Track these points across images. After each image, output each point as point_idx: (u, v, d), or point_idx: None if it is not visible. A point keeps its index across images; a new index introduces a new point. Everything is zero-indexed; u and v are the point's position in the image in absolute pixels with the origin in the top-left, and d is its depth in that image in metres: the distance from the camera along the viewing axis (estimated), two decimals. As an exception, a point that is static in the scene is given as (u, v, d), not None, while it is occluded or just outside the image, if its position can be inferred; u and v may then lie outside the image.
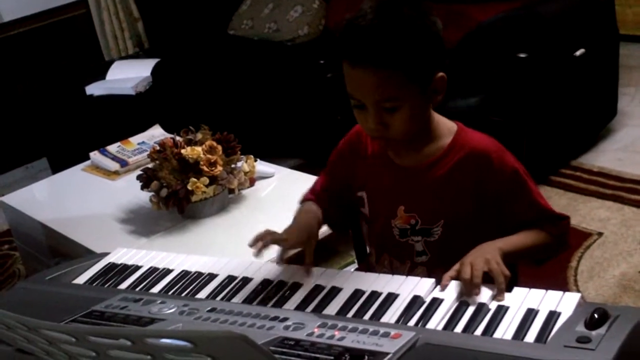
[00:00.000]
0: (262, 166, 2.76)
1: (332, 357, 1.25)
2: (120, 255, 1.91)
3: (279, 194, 2.67)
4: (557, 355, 1.20)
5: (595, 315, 1.26)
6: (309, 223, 1.75)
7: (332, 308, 1.47)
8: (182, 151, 2.45)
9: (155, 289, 1.71)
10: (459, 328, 1.35)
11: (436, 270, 1.58)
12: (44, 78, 4.67)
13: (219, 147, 2.49)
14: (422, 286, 1.49)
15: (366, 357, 1.24)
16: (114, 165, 3.04)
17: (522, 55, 3.25)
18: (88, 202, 2.86)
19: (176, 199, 2.44)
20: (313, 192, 1.88)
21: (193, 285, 1.68)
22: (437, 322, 1.37)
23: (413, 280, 1.52)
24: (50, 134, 4.51)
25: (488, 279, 1.45)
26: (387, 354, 1.24)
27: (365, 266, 1.88)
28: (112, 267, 1.86)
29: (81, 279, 1.83)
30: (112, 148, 3.15)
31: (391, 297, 1.47)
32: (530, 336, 1.28)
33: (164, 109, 4.14)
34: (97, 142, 3.25)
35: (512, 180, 1.64)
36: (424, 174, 1.66)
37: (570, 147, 3.80)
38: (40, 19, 4.82)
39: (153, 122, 3.33)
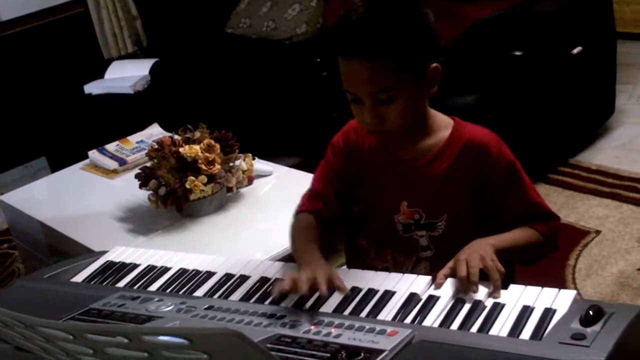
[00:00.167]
0: (260, 164, 2.76)
1: (328, 355, 1.25)
2: (119, 254, 1.92)
3: (277, 192, 2.68)
4: (551, 352, 1.20)
5: (590, 312, 1.27)
6: (319, 263, 1.58)
7: (329, 306, 1.48)
8: (180, 150, 2.46)
9: (153, 287, 1.71)
10: (455, 325, 1.36)
11: (439, 266, 1.58)
12: (43, 77, 4.66)
13: (217, 146, 2.49)
14: (418, 284, 1.50)
15: (362, 354, 1.24)
16: (113, 164, 3.04)
17: (518, 53, 3.26)
18: (87, 200, 2.86)
19: (174, 197, 2.44)
20: (310, 199, 1.82)
21: (191, 283, 1.69)
22: (433, 319, 1.38)
23: (410, 277, 1.52)
24: (49, 133, 4.51)
25: (483, 276, 1.46)
26: (383, 351, 1.25)
27: (361, 266, 1.87)
28: (110, 265, 1.86)
29: (79, 277, 1.84)
30: (111, 147, 3.16)
31: (388, 295, 1.48)
32: (526, 333, 1.29)
33: (162, 108, 4.14)
34: (96, 141, 3.26)
35: (508, 173, 1.65)
36: (426, 168, 1.67)
37: (568, 145, 3.80)
38: (38, 17, 4.81)
39: (151, 120, 3.33)
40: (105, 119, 4.19)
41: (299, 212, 1.82)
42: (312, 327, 1.37)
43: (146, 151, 2.65)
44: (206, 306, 1.52)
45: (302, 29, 4.46)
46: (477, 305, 1.39)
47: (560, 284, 2.85)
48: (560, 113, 3.60)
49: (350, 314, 1.44)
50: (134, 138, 3.20)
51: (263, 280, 1.63)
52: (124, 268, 1.83)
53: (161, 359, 1.03)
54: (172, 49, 4.78)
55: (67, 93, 4.46)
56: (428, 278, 1.50)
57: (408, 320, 1.39)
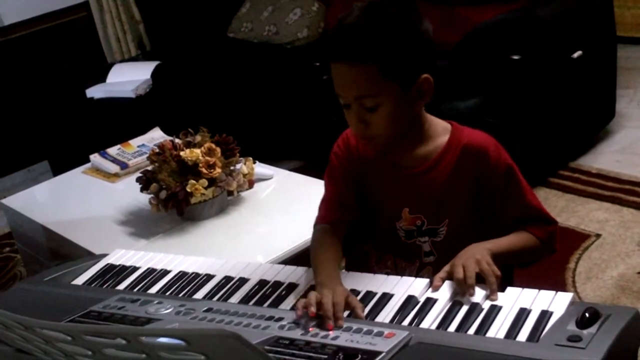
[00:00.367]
0: (261, 168, 2.77)
1: (325, 356, 1.26)
2: (119, 257, 1.93)
3: (278, 195, 2.68)
4: (548, 353, 1.21)
5: (587, 315, 1.28)
6: (337, 285, 1.53)
7: (328, 308, 1.48)
8: (181, 153, 2.47)
9: (153, 290, 1.72)
10: (452, 327, 1.37)
11: (442, 270, 1.58)
12: (45, 81, 4.68)
13: (218, 149, 2.50)
14: (416, 286, 1.51)
15: (359, 356, 1.25)
16: (114, 168, 3.05)
17: (516, 57, 3.26)
18: (88, 204, 2.87)
19: (175, 201, 2.45)
20: (327, 209, 1.79)
21: (190, 286, 1.70)
22: (430, 321, 1.39)
23: (407, 280, 1.53)
24: (51, 137, 4.53)
25: (479, 279, 1.47)
26: (380, 352, 1.26)
27: (362, 271, 1.87)
28: (110, 268, 1.88)
29: (80, 280, 1.85)
30: (112, 150, 3.16)
31: (386, 297, 1.49)
32: (523, 335, 1.30)
33: (163, 112, 4.16)
34: (98, 144, 3.26)
35: (507, 176, 1.66)
36: (426, 175, 1.68)
37: (569, 149, 3.81)
38: (41, 22, 4.83)
39: (153, 124, 3.34)
40: (107, 122, 4.20)
41: (317, 224, 1.80)
42: (310, 329, 1.37)
43: (147, 155, 2.66)
44: (205, 308, 1.53)
45: (303, 33, 4.48)
46: (475, 308, 1.40)
47: (561, 287, 2.85)
48: (561, 117, 3.61)
49: (348, 316, 1.45)
50: (135, 142, 3.20)
51: (262, 282, 1.64)
52: (124, 271, 1.84)
53: (159, 360, 1.04)
54: (174, 52, 4.79)
55: (69, 97, 4.47)
56: (426, 281, 1.51)
57: (406, 322, 1.40)
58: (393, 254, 1.77)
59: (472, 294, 1.44)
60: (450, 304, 1.44)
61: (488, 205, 1.67)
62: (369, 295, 1.50)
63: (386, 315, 1.43)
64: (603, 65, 3.84)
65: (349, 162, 1.78)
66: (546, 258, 1.76)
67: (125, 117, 4.18)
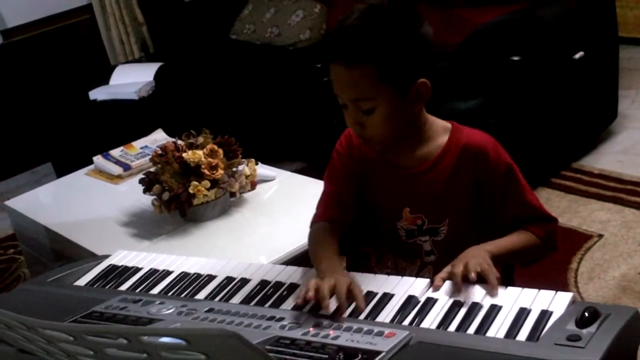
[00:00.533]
0: (263, 169, 2.77)
1: (326, 356, 1.27)
2: (121, 258, 1.94)
3: (281, 197, 2.69)
4: (547, 353, 1.22)
5: (586, 314, 1.28)
6: (339, 272, 1.56)
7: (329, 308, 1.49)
8: (184, 155, 2.47)
9: (155, 290, 1.73)
10: (452, 327, 1.37)
11: (442, 270, 1.59)
12: (48, 83, 4.70)
13: (220, 151, 2.51)
14: (417, 286, 1.51)
15: (360, 355, 1.26)
16: (117, 169, 3.05)
17: (515, 58, 3.27)
18: (91, 206, 2.88)
19: (178, 202, 2.46)
20: (324, 206, 1.80)
21: (192, 287, 1.70)
22: (431, 321, 1.39)
23: (408, 280, 1.54)
24: (54, 139, 4.54)
25: (479, 280, 1.47)
26: (381, 352, 1.26)
27: (354, 264, 1.89)
28: (112, 269, 1.88)
29: (82, 281, 1.86)
30: (115, 152, 3.17)
31: (386, 297, 1.49)
32: (522, 335, 1.30)
33: (166, 113, 4.17)
34: (101, 146, 3.27)
35: (506, 176, 1.66)
36: (426, 175, 1.69)
37: (571, 150, 3.82)
38: (44, 24, 4.85)
39: (156, 126, 3.35)
40: (110, 124, 4.22)
41: (314, 222, 1.80)
42: (311, 329, 1.38)
43: (150, 156, 2.67)
44: (207, 309, 1.53)
45: (305, 35, 4.49)
46: (475, 307, 1.41)
47: (563, 287, 2.85)
48: (563, 118, 3.61)
49: (349, 316, 1.45)
50: (138, 143, 3.21)
51: (263, 283, 1.65)
52: (126, 272, 1.85)
53: (160, 360, 1.05)
54: (177, 54, 4.81)
55: (72, 99, 4.48)
56: (426, 281, 1.52)
57: (406, 322, 1.40)
58: (394, 253, 1.78)
59: (472, 279, 1.45)
60: (450, 303, 1.44)
61: (488, 204, 1.68)
62: (370, 295, 1.51)
63: (387, 315, 1.44)
64: (605, 66, 3.84)
65: (350, 160, 1.78)
66: (548, 256, 1.76)
67: (128, 119, 4.19)
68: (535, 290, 1.42)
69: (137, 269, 1.85)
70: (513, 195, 1.67)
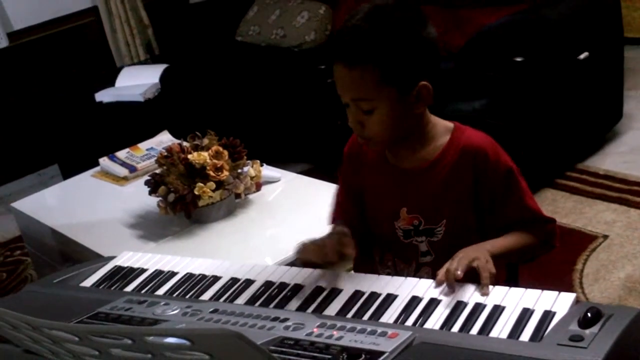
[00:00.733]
0: (268, 171, 2.78)
1: (329, 356, 1.27)
2: (127, 259, 1.94)
3: (286, 198, 2.70)
4: (550, 353, 1.22)
5: (589, 314, 1.28)
6: (333, 230, 1.77)
7: (333, 309, 1.50)
8: (189, 156, 2.48)
9: (160, 291, 1.74)
10: (455, 327, 1.37)
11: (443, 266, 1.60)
12: (55, 85, 4.72)
13: (225, 152, 2.52)
14: (420, 287, 1.52)
15: (363, 355, 1.26)
16: (123, 171, 3.07)
17: (519, 59, 3.27)
18: (97, 207, 2.89)
19: (183, 203, 2.47)
20: (335, 213, 1.89)
21: (197, 288, 1.71)
22: (434, 321, 1.40)
23: (412, 281, 1.54)
24: (61, 141, 4.56)
25: (475, 278, 1.48)
26: (384, 352, 1.26)
27: (362, 265, 1.90)
28: (118, 270, 1.89)
29: (88, 282, 1.87)
30: (121, 154, 3.19)
31: (390, 298, 1.50)
32: (525, 335, 1.31)
33: (172, 115, 4.18)
34: (107, 148, 3.29)
35: (505, 178, 1.66)
36: (424, 175, 1.69)
37: (576, 150, 3.81)
38: (50, 27, 4.87)
39: (161, 128, 3.36)
40: (116, 126, 4.23)
41: (329, 224, 1.87)
42: (315, 329, 1.38)
43: (156, 158, 2.68)
44: (211, 309, 1.54)
45: (310, 36, 4.49)
46: (478, 308, 1.41)
47: (568, 288, 2.85)
48: (568, 118, 3.61)
49: (353, 316, 1.46)
50: (144, 145, 3.23)
51: (268, 284, 1.66)
52: (131, 273, 1.86)
53: (164, 360, 1.05)
54: (182, 56, 4.82)
55: (78, 101, 4.50)
56: (430, 281, 1.52)
57: (409, 322, 1.41)
58: (392, 254, 1.79)
59: (457, 277, 1.47)
60: (454, 304, 1.44)
61: (486, 206, 1.68)
62: (374, 296, 1.51)
63: (390, 315, 1.44)
64: (610, 67, 3.84)
65: (351, 166, 1.82)
66: (546, 254, 1.77)
67: (134, 121, 4.21)
68: (539, 291, 1.42)
69: (143, 270, 1.86)
70: (512, 198, 1.67)
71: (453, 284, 1.47)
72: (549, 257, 2.90)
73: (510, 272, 1.84)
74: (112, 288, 1.81)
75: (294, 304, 1.55)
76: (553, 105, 3.49)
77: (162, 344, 1.03)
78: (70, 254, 2.72)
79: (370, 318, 1.45)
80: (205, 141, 2.56)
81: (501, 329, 1.34)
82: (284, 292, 1.61)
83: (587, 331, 1.25)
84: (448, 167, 1.67)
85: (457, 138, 1.68)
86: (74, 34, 4.98)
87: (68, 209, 2.99)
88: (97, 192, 3.04)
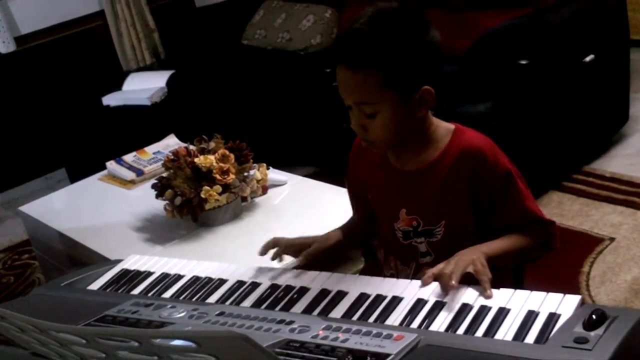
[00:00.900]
0: (274, 174, 2.79)
1: (335, 359, 1.28)
2: (133, 262, 1.95)
3: (292, 201, 2.70)
4: (554, 355, 1.22)
5: (594, 317, 1.28)
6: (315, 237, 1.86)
7: (338, 311, 1.51)
8: (196, 160, 2.49)
9: (167, 294, 1.75)
10: (461, 330, 1.38)
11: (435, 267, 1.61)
12: (62, 89, 4.74)
13: (232, 156, 2.53)
14: (426, 290, 1.52)
15: (369, 358, 1.27)
16: (130, 175, 3.08)
17: (523, 62, 3.27)
18: (104, 211, 2.90)
19: (190, 207, 2.48)
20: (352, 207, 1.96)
21: (203, 291, 1.72)
22: (439, 324, 1.40)
23: (417, 283, 1.55)
24: (68, 145, 4.57)
25: (474, 281, 1.49)
26: (389, 355, 1.27)
27: (373, 266, 1.92)
28: (125, 273, 1.90)
29: (95, 285, 1.88)
30: (128, 157, 3.20)
31: (395, 300, 1.50)
32: (530, 337, 1.31)
33: (178, 119, 4.20)
34: (114, 152, 3.30)
35: (504, 180, 1.67)
36: (423, 176, 1.70)
37: (583, 153, 3.81)
38: (57, 31, 4.89)
39: (168, 131, 3.37)
40: (123, 130, 4.25)
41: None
42: (321, 332, 1.39)
43: (163, 162, 2.69)
44: (218, 312, 1.55)
45: (316, 39, 4.50)
46: (483, 310, 1.41)
47: (574, 291, 2.85)
48: (574, 121, 3.61)
49: (359, 319, 1.47)
50: (151, 149, 3.24)
51: (273, 287, 1.66)
52: (138, 276, 1.87)
53: (170, 363, 1.06)
54: (188, 60, 4.83)
55: (85, 105, 4.52)
56: (435, 284, 1.53)
57: (415, 325, 1.41)
58: (394, 255, 1.80)
59: (452, 287, 1.47)
60: (459, 306, 1.45)
61: (485, 207, 1.69)
62: (379, 298, 1.52)
63: (396, 318, 1.45)
64: (616, 69, 3.84)
65: (355, 169, 1.85)
66: (547, 256, 1.77)
67: (140, 125, 4.23)
68: (544, 293, 1.42)
69: (149, 274, 1.87)
70: (511, 200, 1.67)
71: (447, 287, 1.48)
72: (555, 260, 2.91)
73: (516, 275, 1.84)
74: (119, 291, 1.82)
75: (300, 306, 1.56)
76: (559, 107, 3.49)
77: (169, 346, 1.04)
78: (77, 258, 2.73)
79: (375, 320, 1.45)
80: (212, 144, 2.57)
81: (506, 331, 1.34)
82: (289, 295, 1.61)
83: (592, 333, 1.25)
84: (447, 168, 1.68)
85: (457, 140, 1.69)
86: (80, 38, 5.00)
87: (75, 213, 3.00)
88: (104, 196, 3.05)
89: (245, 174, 2.59)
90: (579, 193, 3.56)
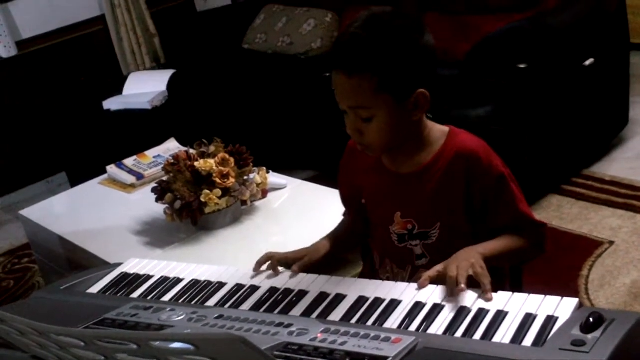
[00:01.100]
0: (274, 178, 2.79)
1: (333, 361, 1.29)
2: (133, 266, 1.96)
3: (291, 205, 2.70)
4: (552, 358, 1.23)
5: (591, 319, 1.29)
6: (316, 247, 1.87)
7: (337, 314, 1.51)
8: (195, 164, 2.50)
9: (166, 298, 1.75)
10: (459, 333, 1.38)
11: (432, 269, 1.61)
12: (62, 94, 4.74)
13: (232, 160, 2.53)
14: (424, 293, 1.53)
15: (366, 360, 1.28)
16: (130, 179, 3.08)
17: (523, 66, 3.28)
18: (105, 215, 2.90)
19: (190, 210, 2.48)
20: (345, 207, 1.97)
21: (202, 294, 1.73)
22: (437, 327, 1.41)
23: (415, 286, 1.55)
24: (68, 149, 4.58)
25: (473, 283, 1.49)
26: (387, 357, 1.27)
27: (369, 270, 1.92)
28: (124, 276, 1.91)
29: (95, 289, 1.88)
30: (129, 161, 3.20)
31: (394, 304, 1.51)
32: (528, 340, 1.31)
33: (179, 123, 4.20)
34: (114, 155, 3.31)
35: (497, 183, 1.67)
36: (417, 179, 1.70)
37: (582, 156, 3.82)
38: (58, 35, 4.90)
39: (168, 135, 3.38)
40: (123, 134, 4.25)
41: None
42: (319, 335, 1.39)
43: (163, 165, 2.69)
44: (216, 315, 1.55)
45: (317, 44, 4.51)
46: (481, 313, 1.42)
47: (574, 294, 2.85)
48: (574, 124, 3.61)
49: (357, 322, 1.47)
50: (151, 153, 3.24)
51: (272, 290, 1.67)
52: (137, 279, 1.87)
53: (169, 365, 1.06)
54: (189, 64, 4.84)
55: (86, 109, 4.53)
56: (433, 287, 1.53)
57: (413, 328, 1.42)
58: (389, 258, 1.81)
59: (463, 290, 1.47)
60: (457, 309, 1.45)
61: (479, 209, 1.69)
62: (377, 301, 1.52)
63: (394, 321, 1.45)
64: (616, 73, 3.84)
65: (348, 174, 1.86)
66: (536, 258, 1.77)
67: (141, 129, 4.23)
68: (542, 296, 1.43)
69: (149, 277, 1.87)
70: (504, 203, 1.68)
71: (457, 291, 1.48)
72: (555, 263, 2.92)
73: (514, 278, 1.85)
74: (119, 294, 1.82)
75: (299, 309, 1.56)
76: (558, 111, 3.50)
77: (168, 349, 1.05)
78: (77, 261, 2.73)
79: (374, 323, 1.46)
80: (212, 148, 2.58)
81: (504, 334, 1.34)
82: (288, 298, 1.62)
83: (589, 336, 1.26)
84: (441, 171, 1.68)
85: (451, 142, 1.69)
86: (81, 42, 5.01)
87: (75, 217, 3.00)
88: (105, 200, 3.05)
89: (245, 177, 2.59)
90: (579, 196, 3.56)
